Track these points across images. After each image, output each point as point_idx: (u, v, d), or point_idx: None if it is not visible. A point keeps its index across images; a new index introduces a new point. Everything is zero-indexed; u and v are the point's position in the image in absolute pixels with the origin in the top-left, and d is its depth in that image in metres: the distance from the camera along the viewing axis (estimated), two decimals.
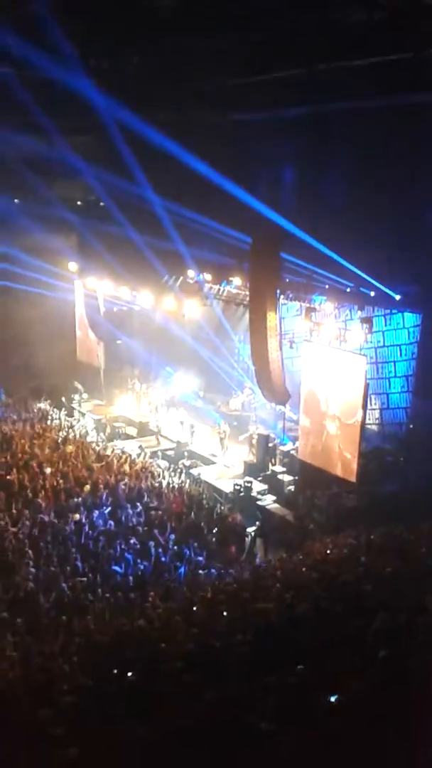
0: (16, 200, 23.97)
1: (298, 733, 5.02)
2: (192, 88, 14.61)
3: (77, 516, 13.13)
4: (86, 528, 12.65)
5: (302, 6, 10.68)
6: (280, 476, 16.85)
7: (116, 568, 11.26)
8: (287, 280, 17.96)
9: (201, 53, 12.79)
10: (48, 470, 15.37)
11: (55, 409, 21.88)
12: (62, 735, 5.16)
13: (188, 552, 12.23)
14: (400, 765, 4.72)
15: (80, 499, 14.02)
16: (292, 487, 16.44)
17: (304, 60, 12.35)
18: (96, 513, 13.44)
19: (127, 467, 16.61)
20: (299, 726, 5.16)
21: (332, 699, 5.70)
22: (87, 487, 14.55)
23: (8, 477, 14.64)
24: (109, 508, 13.78)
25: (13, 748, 5.01)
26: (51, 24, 10.97)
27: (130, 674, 6.59)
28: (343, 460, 15.01)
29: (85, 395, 24.17)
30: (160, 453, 19.32)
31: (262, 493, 16.47)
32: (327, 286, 17.57)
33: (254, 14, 10.93)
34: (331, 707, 5.58)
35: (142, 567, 11.46)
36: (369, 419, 17.09)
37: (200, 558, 12.20)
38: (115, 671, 6.70)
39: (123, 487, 14.88)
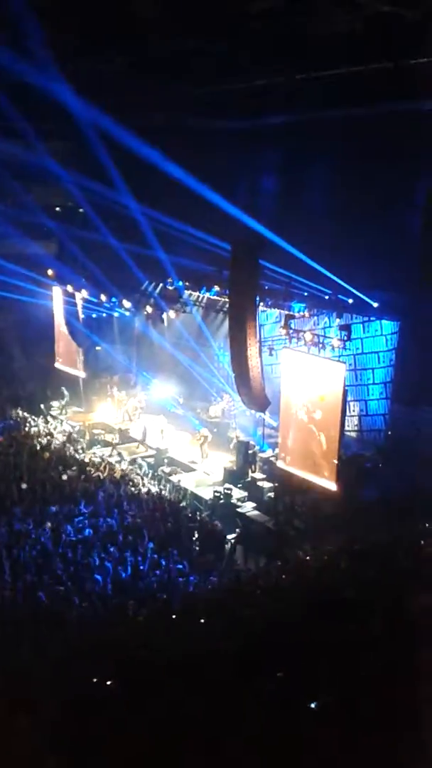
0: None
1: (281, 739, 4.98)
2: (172, 95, 14.64)
3: (54, 524, 12.99)
4: (64, 536, 12.52)
5: (285, 15, 10.77)
6: (259, 483, 16.83)
7: (96, 576, 11.14)
8: (266, 287, 18.02)
9: (181, 60, 12.83)
10: (26, 478, 15.21)
11: (33, 417, 21.66)
12: (42, 744, 5.07)
13: (166, 560, 12.14)
14: None
15: (58, 507, 13.87)
16: (272, 494, 16.43)
17: (284, 68, 12.44)
18: (74, 521, 13.31)
19: (106, 474, 16.49)
20: (282, 733, 5.13)
21: (312, 705, 5.68)
22: (66, 494, 14.41)
23: None
24: (88, 516, 13.65)
25: None
26: (29, 28, 10.93)
27: (109, 683, 6.51)
28: (323, 467, 15.05)
29: (67, 400, 23.98)
30: (139, 460, 19.21)
31: (242, 500, 16.44)
32: (306, 294, 17.66)
33: (236, 22, 11.00)
34: (312, 714, 5.55)
35: (121, 575, 11.36)
36: (348, 426, 17.17)
37: (180, 566, 12.12)
38: (95, 680, 6.61)
39: (102, 494, 14.76)
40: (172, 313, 21.90)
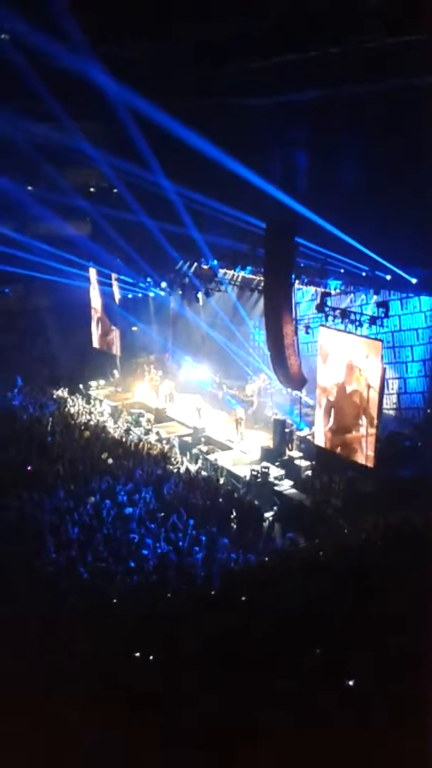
0: (29, 187, 24.03)
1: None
2: (204, 73, 14.51)
3: (95, 502, 13.26)
4: (105, 513, 12.78)
5: None
6: (297, 461, 16.87)
7: (144, 552, 11.35)
8: (302, 265, 17.86)
9: (213, 38, 12.70)
10: (67, 456, 15.53)
11: (72, 397, 22.02)
12: (77, 720, 5.25)
13: (206, 537, 12.31)
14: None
15: (99, 485, 14.15)
16: (309, 472, 16.47)
17: (317, 43, 12.22)
18: (115, 498, 13.56)
19: (144, 453, 16.72)
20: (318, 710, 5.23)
21: (351, 683, 5.78)
22: (105, 473, 14.67)
23: (28, 468, 14.80)
24: (128, 494, 13.90)
25: (25, 730, 5.10)
26: (62, 11, 10.94)
27: (151, 657, 6.70)
28: (360, 445, 15.01)
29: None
30: (177, 439, 19.41)
31: (279, 478, 16.51)
32: (342, 271, 17.46)
33: None
34: (349, 691, 5.64)
35: (160, 552, 11.57)
36: (386, 404, 17.05)
37: (225, 540, 12.27)
38: (137, 654, 6.81)
39: (140, 472, 14.99)
40: (201, 295, 22.00)
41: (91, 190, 25.80)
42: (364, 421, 14.86)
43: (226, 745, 4.88)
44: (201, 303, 23.07)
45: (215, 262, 21.38)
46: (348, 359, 15.11)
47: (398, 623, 6.50)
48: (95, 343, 25.71)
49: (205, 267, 22.18)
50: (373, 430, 14.67)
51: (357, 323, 15.80)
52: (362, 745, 4.83)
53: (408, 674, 5.57)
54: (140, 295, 24.96)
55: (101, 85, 14.30)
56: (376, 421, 14.63)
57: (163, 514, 13.11)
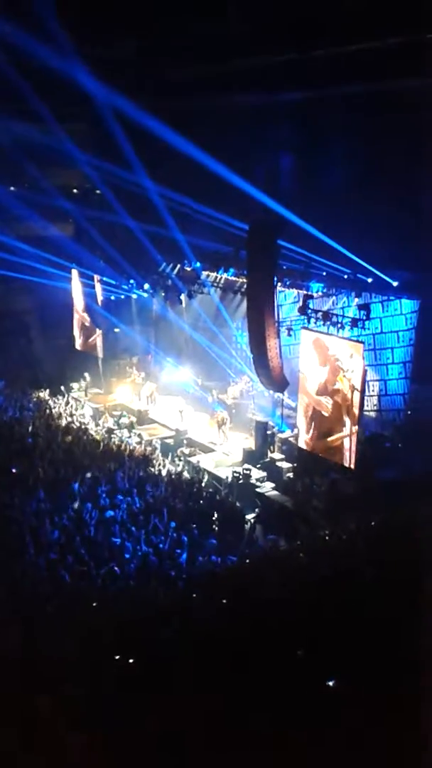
0: (12, 188, 23.87)
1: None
2: (187, 74, 14.52)
3: (76, 505, 13.18)
4: (86, 516, 12.71)
5: None
6: (278, 463, 16.91)
7: (125, 555, 11.30)
8: (284, 267, 17.91)
9: (197, 37, 12.70)
10: (47, 458, 15.42)
11: (53, 398, 21.88)
12: (62, 723, 5.22)
13: (187, 539, 12.28)
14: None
15: (80, 487, 14.06)
16: (290, 474, 16.52)
17: (300, 44, 12.27)
18: (96, 501, 13.49)
19: (126, 455, 16.66)
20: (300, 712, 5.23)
21: (330, 684, 5.79)
22: (87, 475, 14.59)
23: (13, 470, 14.68)
24: (109, 497, 13.83)
25: (10, 733, 5.05)
26: (46, 11, 10.89)
27: (131, 661, 6.66)
28: (341, 447, 15.08)
29: (88, 383, 24.17)
30: (158, 441, 19.36)
31: (260, 480, 16.54)
32: (324, 273, 17.55)
33: None
34: (330, 692, 5.65)
35: (141, 554, 11.52)
36: (367, 405, 17.13)
37: (213, 540, 12.26)
38: (117, 657, 6.77)
39: (122, 474, 14.93)
40: (184, 296, 21.98)
41: (74, 191, 25.69)
42: (347, 421, 14.92)
43: (208, 748, 4.88)
44: (184, 305, 23.08)
45: (198, 264, 21.38)
46: (331, 359, 15.16)
47: (381, 624, 6.53)
48: (77, 345, 25.58)
49: (188, 269, 22.18)
50: (355, 429, 14.73)
51: (339, 325, 15.89)
52: (347, 748, 4.85)
53: (393, 675, 5.59)
54: (123, 296, 24.89)
55: (85, 86, 14.25)
56: (357, 423, 14.70)
57: (144, 516, 13.07)
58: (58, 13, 11.07)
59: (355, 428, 14.70)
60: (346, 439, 14.90)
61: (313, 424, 15.97)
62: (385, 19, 11.29)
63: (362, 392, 14.78)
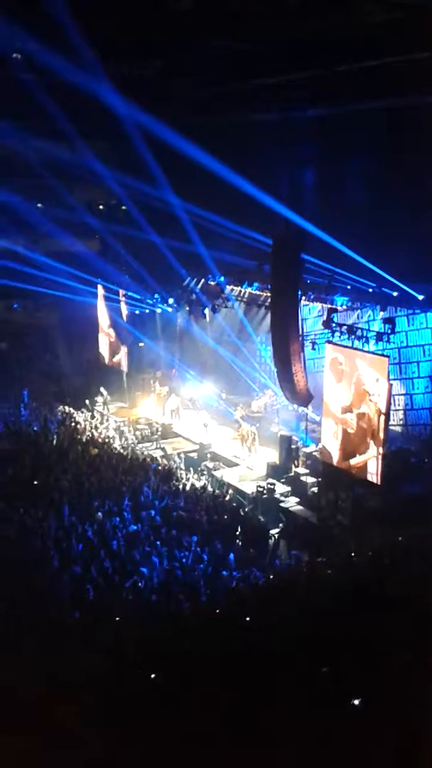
0: (39, 204, 24.25)
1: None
2: (212, 91, 14.66)
3: (100, 519, 13.20)
4: (110, 530, 12.71)
5: (322, 7, 10.67)
6: (303, 478, 16.78)
7: (143, 569, 11.28)
8: (308, 281, 17.91)
9: (221, 55, 12.83)
10: (72, 471, 15.50)
11: (78, 412, 22.02)
12: (81, 734, 5.19)
13: (210, 554, 12.22)
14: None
15: (104, 501, 14.09)
16: (315, 489, 16.37)
17: (323, 61, 12.33)
18: (121, 515, 13.50)
19: (150, 469, 16.66)
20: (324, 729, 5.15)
21: (356, 702, 5.69)
22: (111, 489, 14.62)
23: (35, 482, 14.78)
24: (133, 511, 13.83)
25: (29, 745, 5.03)
26: (72, 30, 11.08)
27: (154, 676, 6.62)
28: (366, 462, 14.91)
29: (108, 398, 24.27)
30: (183, 455, 19.35)
31: (285, 495, 16.42)
32: (349, 287, 17.50)
33: (274, 15, 10.95)
34: (353, 710, 5.55)
35: (165, 568, 11.48)
36: (393, 420, 16.98)
37: (231, 556, 12.19)
38: (140, 672, 6.73)
39: (146, 489, 14.93)
40: (208, 311, 22.05)
41: (100, 207, 25.99)
42: (371, 443, 14.73)
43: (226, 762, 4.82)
44: (208, 319, 23.13)
45: (222, 278, 21.46)
46: (358, 381, 14.95)
47: (406, 640, 6.42)
48: (103, 359, 25.77)
49: (212, 283, 22.26)
50: (381, 451, 14.55)
51: (364, 339, 15.79)
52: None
53: (416, 691, 5.48)
54: (147, 311, 25.06)
55: (111, 104, 14.46)
56: (382, 438, 14.54)
57: (167, 530, 13.03)
58: (84, 33, 11.26)
59: (381, 449, 14.51)
60: (371, 454, 14.73)
61: (337, 438, 15.83)
62: (407, 35, 11.31)
63: (387, 406, 14.63)
